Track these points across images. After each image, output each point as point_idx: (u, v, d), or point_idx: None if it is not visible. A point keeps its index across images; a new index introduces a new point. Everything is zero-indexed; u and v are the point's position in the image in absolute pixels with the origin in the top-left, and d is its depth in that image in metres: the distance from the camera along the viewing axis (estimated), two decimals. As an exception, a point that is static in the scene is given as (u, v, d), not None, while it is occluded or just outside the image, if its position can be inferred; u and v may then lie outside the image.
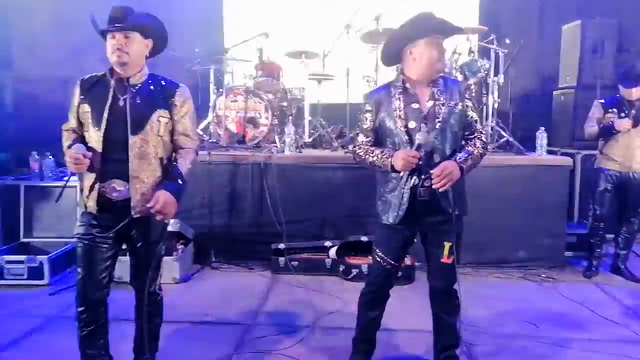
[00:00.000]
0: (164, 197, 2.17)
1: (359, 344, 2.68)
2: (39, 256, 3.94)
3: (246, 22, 6.70)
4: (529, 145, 4.92)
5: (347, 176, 4.52)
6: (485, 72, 5.11)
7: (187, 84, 2.42)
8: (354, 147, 2.52)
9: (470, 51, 5.32)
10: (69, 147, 2.22)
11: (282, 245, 4.34)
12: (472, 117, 2.41)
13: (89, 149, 2.21)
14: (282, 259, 4.30)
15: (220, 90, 5.27)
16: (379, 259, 2.49)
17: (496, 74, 5.14)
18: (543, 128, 4.81)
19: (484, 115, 5.32)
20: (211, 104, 5.31)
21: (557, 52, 5.75)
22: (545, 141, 4.74)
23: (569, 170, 4.60)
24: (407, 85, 2.38)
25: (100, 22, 2.26)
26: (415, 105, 2.35)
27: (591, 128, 4.18)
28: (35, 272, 3.90)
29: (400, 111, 2.35)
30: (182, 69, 5.86)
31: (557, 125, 5.71)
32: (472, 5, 6.67)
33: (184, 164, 2.32)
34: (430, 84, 2.37)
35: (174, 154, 2.37)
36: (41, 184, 4.53)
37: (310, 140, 5.48)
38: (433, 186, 2.25)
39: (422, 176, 2.31)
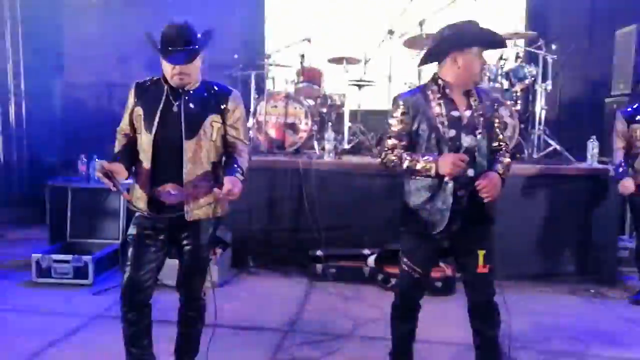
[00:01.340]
0: (230, 180, 2.16)
1: (396, 358, 2.60)
2: (84, 256, 4.05)
3: (288, 28, 6.74)
4: (579, 154, 4.72)
5: (387, 184, 4.44)
6: (533, 79, 4.95)
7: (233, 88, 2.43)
8: (384, 151, 2.38)
9: (517, 57, 5.18)
10: (114, 157, 2.28)
11: (319, 252, 4.31)
12: (498, 127, 2.40)
13: (135, 155, 2.28)
14: (319, 266, 4.27)
15: (261, 95, 5.30)
16: (406, 268, 2.42)
17: (544, 80, 4.97)
18: (594, 137, 4.60)
19: (529, 123, 5.16)
20: (252, 109, 5.35)
21: (609, 58, 5.50)
22: (596, 150, 4.53)
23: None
24: (447, 90, 2.31)
25: (153, 36, 2.24)
26: (455, 113, 2.28)
27: (615, 152, 3.80)
28: (80, 272, 4.01)
29: (443, 117, 2.28)
30: (223, 75, 5.95)
31: (610, 134, 5.45)
32: (520, 9, 6.48)
33: (242, 161, 2.32)
34: (466, 92, 2.33)
35: (224, 159, 2.39)
36: (88, 186, 4.66)
37: (350, 146, 5.44)
38: (483, 197, 2.18)
39: (463, 184, 2.24)
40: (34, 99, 7.24)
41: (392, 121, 2.36)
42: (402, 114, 2.33)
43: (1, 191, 7.05)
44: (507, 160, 2.36)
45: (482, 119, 2.28)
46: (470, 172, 2.24)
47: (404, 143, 2.34)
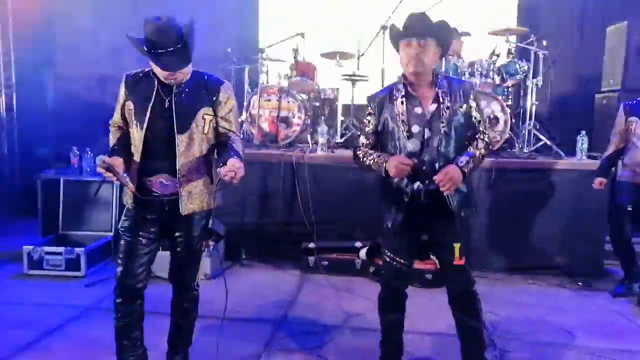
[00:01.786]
0: (232, 161, 2.10)
1: (385, 348, 2.64)
2: (76, 248, 4.05)
3: (282, 22, 6.73)
4: (569, 149, 4.77)
5: (379, 177, 4.47)
6: (524, 74, 4.99)
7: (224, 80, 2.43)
8: (355, 149, 2.50)
9: (509, 52, 5.20)
10: (111, 150, 2.28)
11: (312, 245, 4.34)
12: (475, 117, 2.38)
13: (129, 148, 2.27)
14: (311, 259, 4.30)
15: (255, 89, 5.30)
16: (387, 259, 2.48)
17: (535, 76, 5.01)
18: (584, 132, 4.65)
19: (520, 118, 5.20)
20: (245, 103, 5.35)
21: (600, 54, 5.56)
22: (586, 145, 4.59)
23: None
24: (409, 87, 2.35)
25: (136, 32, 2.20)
26: (418, 110, 2.32)
27: (608, 146, 3.76)
28: (72, 264, 4.02)
29: (403, 115, 2.32)
30: (217, 69, 5.94)
31: (599, 129, 5.50)
32: (511, 5, 6.51)
33: (238, 147, 2.29)
34: (434, 85, 2.34)
35: (216, 150, 2.38)
36: (80, 178, 4.66)
37: (343, 140, 5.46)
38: (442, 189, 2.21)
39: (427, 181, 2.29)
40: (25, 91, 7.18)
41: (364, 120, 2.49)
42: (369, 114, 2.45)
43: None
44: (478, 152, 2.33)
45: (448, 111, 2.29)
46: (436, 167, 2.26)
47: (370, 141, 2.45)
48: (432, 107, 2.31)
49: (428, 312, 3.19)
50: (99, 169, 2.14)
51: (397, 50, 2.37)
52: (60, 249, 4.05)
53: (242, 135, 5.01)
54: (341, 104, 5.59)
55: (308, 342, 3.02)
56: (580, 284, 4.14)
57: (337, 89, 5.68)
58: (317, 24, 6.44)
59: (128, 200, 2.34)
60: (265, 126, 5.21)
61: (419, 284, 3.91)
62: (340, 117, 5.53)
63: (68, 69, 7.33)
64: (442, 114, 2.28)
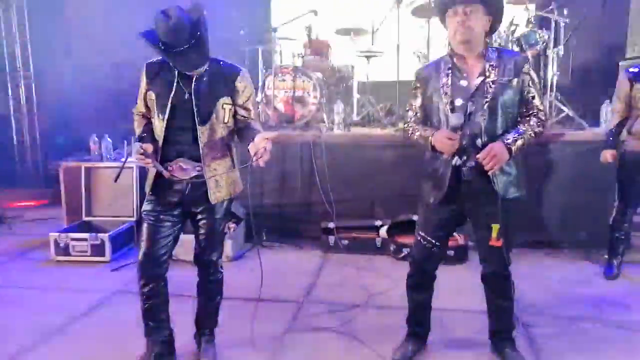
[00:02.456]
0: (260, 141, 2.08)
1: (412, 326, 2.65)
2: (100, 234, 4.12)
3: (294, 0, 6.64)
4: (592, 120, 4.65)
5: (397, 154, 4.43)
6: (544, 44, 4.85)
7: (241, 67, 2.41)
8: (404, 123, 2.48)
9: (529, 22, 5.05)
10: (140, 137, 2.32)
11: (331, 225, 4.34)
12: (528, 92, 2.25)
13: (154, 136, 2.31)
14: (332, 238, 4.31)
15: (269, 70, 5.27)
16: (419, 238, 2.46)
17: (556, 45, 4.87)
18: (608, 101, 4.51)
19: (541, 88, 5.08)
20: (260, 83, 5.32)
21: (624, 20, 5.36)
22: (610, 115, 4.45)
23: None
24: (455, 60, 2.28)
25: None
26: (463, 83, 2.24)
27: (612, 115, 3.56)
28: (97, 249, 4.10)
29: (447, 87, 2.25)
30: (230, 50, 5.90)
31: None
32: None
33: (259, 129, 2.29)
34: (482, 57, 2.24)
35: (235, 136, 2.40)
36: (100, 164, 4.71)
37: (359, 118, 5.41)
38: (485, 168, 2.14)
39: (465, 157, 2.22)
40: (43, 81, 7.28)
41: (410, 94, 2.44)
42: (415, 88, 2.40)
43: (16, 172, 7.16)
44: (530, 129, 2.20)
45: (494, 85, 2.19)
46: (478, 143, 2.20)
47: (418, 115, 2.41)
48: (478, 80, 2.22)
49: (450, 288, 3.17)
50: (137, 156, 2.19)
51: (445, 26, 2.29)
52: (85, 235, 4.12)
53: (259, 117, 5.02)
54: (356, 81, 5.52)
55: (331, 320, 3.04)
56: (605, 256, 4.07)
57: (352, 66, 5.61)
58: (329, 1, 6.34)
59: (149, 185, 2.36)
60: (281, 107, 5.18)
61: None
62: (356, 95, 5.47)
63: (84, 57, 7.38)
64: (487, 88, 2.20)
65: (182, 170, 2.30)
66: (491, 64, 2.22)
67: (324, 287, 3.60)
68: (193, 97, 2.25)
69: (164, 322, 2.47)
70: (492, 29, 2.29)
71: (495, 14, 2.24)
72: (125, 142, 4.70)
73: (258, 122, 2.40)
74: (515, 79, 2.22)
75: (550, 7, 4.93)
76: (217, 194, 2.34)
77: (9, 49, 7.09)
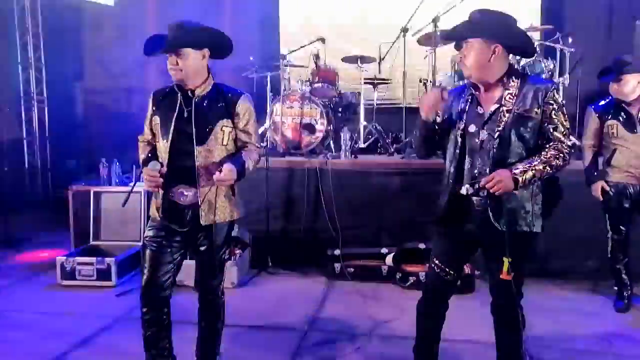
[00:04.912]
0: (227, 166, 2.20)
1: (418, 356, 2.60)
2: (106, 258, 4.13)
3: (302, 28, 6.77)
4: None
5: (404, 182, 4.44)
6: (550, 73, 4.89)
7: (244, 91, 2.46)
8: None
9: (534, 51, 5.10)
10: (144, 162, 2.35)
11: (337, 252, 4.32)
12: (550, 123, 2.14)
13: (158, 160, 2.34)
14: (337, 265, 4.28)
15: (277, 96, 5.33)
16: (433, 265, 2.42)
17: (561, 74, 4.90)
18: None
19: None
20: (268, 110, 5.39)
21: (630, 48, 5.40)
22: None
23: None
24: (473, 87, 2.28)
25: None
26: (479, 110, 2.24)
27: (585, 152, 3.57)
28: (103, 274, 4.10)
29: (463, 113, 2.26)
30: (239, 77, 6.00)
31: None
32: (535, 3, 6.40)
33: (247, 156, 2.34)
34: (502, 84, 2.20)
35: None
36: (109, 189, 4.75)
37: (366, 145, 5.44)
38: (489, 189, 2.09)
39: (478, 185, 2.15)
40: (55, 105, 7.42)
41: None
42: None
43: (26, 195, 7.24)
44: (545, 163, 2.10)
45: (509, 114, 2.15)
46: (487, 172, 2.14)
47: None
48: (493, 107, 2.20)
49: (458, 318, 3.10)
50: (150, 177, 2.24)
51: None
52: (92, 260, 4.13)
53: (265, 144, 5.06)
54: (363, 108, 5.57)
55: (335, 350, 3.00)
56: (615, 288, 4.00)
57: (359, 93, 5.67)
58: (337, 29, 6.45)
59: (153, 211, 2.39)
60: (289, 133, 5.23)
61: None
62: (362, 122, 5.51)
63: (95, 82, 7.54)
64: (501, 117, 2.16)
65: (183, 195, 2.34)
66: (510, 92, 2.19)
67: (328, 315, 3.57)
68: (193, 116, 2.28)
69: (166, 350, 2.45)
70: (512, 49, 2.26)
71: (501, 38, 2.18)
72: (134, 166, 4.75)
73: (254, 150, 2.41)
74: (535, 109, 2.14)
75: (556, 37, 4.98)
76: (209, 216, 2.32)
77: (24, 74, 7.26)
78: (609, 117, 3.47)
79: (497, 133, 2.16)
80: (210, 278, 2.46)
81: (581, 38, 5.13)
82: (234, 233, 4.27)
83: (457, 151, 2.25)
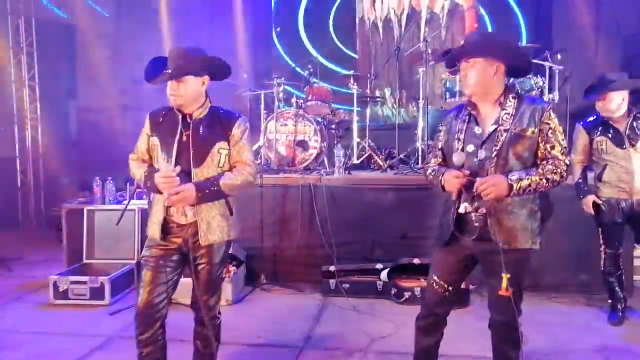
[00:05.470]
0: (185, 188, 2.25)
1: None
2: (100, 277, 4.10)
3: (295, 47, 6.86)
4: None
5: (398, 197, 4.47)
6: (539, 90, 4.97)
7: (238, 109, 2.52)
8: (424, 166, 2.55)
9: (523, 68, 5.19)
10: (149, 173, 2.35)
11: (332, 268, 4.32)
12: (547, 142, 2.19)
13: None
14: (332, 281, 4.28)
15: (271, 114, 5.38)
16: (432, 281, 2.44)
17: (550, 91, 4.99)
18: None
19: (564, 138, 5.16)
20: (262, 128, 5.43)
21: (618, 64, 5.52)
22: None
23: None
24: (472, 106, 2.31)
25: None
26: (477, 130, 2.27)
27: (573, 167, 3.57)
28: (96, 293, 4.06)
29: (460, 133, 2.30)
30: (233, 95, 6.05)
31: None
32: (521, 21, 6.53)
33: (229, 176, 2.36)
34: (499, 104, 2.26)
35: None
36: (103, 207, 4.74)
37: (359, 162, 5.49)
38: (479, 193, 2.13)
39: (476, 204, 2.21)
40: (49, 123, 7.42)
41: (435, 137, 2.52)
42: (439, 130, 2.47)
43: (19, 214, 7.19)
44: (540, 174, 2.14)
45: (506, 133, 2.19)
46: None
47: (437, 158, 2.47)
48: (491, 127, 2.24)
49: (453, 333, 3.11)
50: (165, 179, 2.25)
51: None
52: (85, 278, 4.10)
53: (259, 161, 5.09)
54: (356, 125, 5.63)
55: (332, 367, 2.99)
56: (609, 301, 4.02)
57: (352, 110, 5.73)
58: (330, 47, 6.54)
59: (151, 230, 2.39)
60: (283, 150, 5.26)
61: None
62: (356, 139, 5.56)
63: (89, 100, 7.56)
64: (498, 137, 2.20)
65: (184, 214, 2.35)
66: (507, 112, 2.23)
67: (324, 332, 3.55)
68: (190, 139, 2.33)
69: None
70: (513, 69, 2.32)
71: (504, 58, 2.24)
72: (128, 184, 4.74)
73: (243, 170, 2.41)
74: (531, 129, 2.19)
75: (544, 55, 5.08)
76: (208, 235, 2.35)
77: (18, 92, 7.28)
78: (598, 134, 3.53)
79: (495, 152, 2.20)
80: (208, 297, 2.45)
81: (569, 56, 5.24)
82: (229, 250, 4.31)
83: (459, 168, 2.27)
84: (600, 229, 3.65)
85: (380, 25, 6.83)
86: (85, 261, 4.60)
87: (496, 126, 2.23)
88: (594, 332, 3.49)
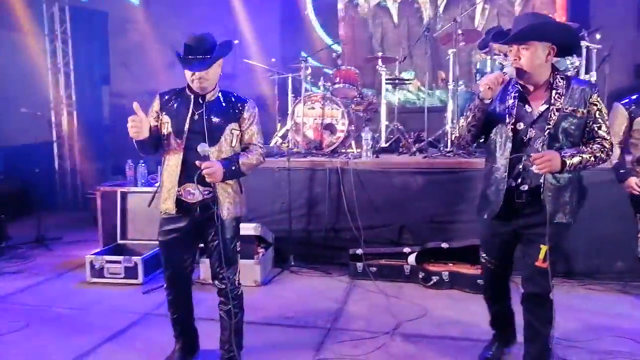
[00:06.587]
0: (215, 163, 2.38)
1: (496, 330, 2.77)
2: (133, 257, 4.23)
3: (323, 29, 6.80)
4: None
5: (426, 181, 4.42)
6: (576, 70, 4.80)
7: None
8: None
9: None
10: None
11: (359, 251, 4.33)
12: (594, 122, 2.27)
13: (156, 144, 2.54)
14: (360, 264, 4.30)
15: (298, 97, 5.38)
16: (482, 260, 2.57)
17: (588, 71, 4.82)
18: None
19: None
20: (289, 111, 5.43)
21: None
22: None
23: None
24: (519, 85, 2.35)
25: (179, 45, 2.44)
26: (528, 108, 2.32)
27: (615, 148, 3.20)
28: (130, 272, 4.20)
29: (512, 109, 2.33)
30: (262, 78, 6.07)
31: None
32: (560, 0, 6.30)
33: (245, 155, 2.52)
34: (549, 84, 2.30)
35: None
36: (135, 189, 4.86)
37: (388, 145, 5.44)
38: (534, 169, 2.18)
39: (520, 179, 2.30)
40: (84, 108, 7.63)
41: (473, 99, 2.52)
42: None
43: (57, 196, 7.46)
44: (589, 151, 2.22)
45: (558, 113, 2.25)
46: (534, 168, 2.20)
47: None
48: (542, 107, 2.29)
49: (483, 318, 3.10)
50: (133, 123, 2.38)
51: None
52: (120, 258, 4.24)
53: (287, 144, 5.11)
54: (385, 108, 5.57)
55: (359, 348, 3.02)
56: (646, 288, 3.92)
57: (380, 93, 5.67)
58: (358, 29, 6.46)
59: (164, 205, 2.53)
60: (310, 134, 5.26)
61: (471, 290, 3.82)
62: (384, 122, 5.51)
63: (122, 85, 7.72)
64: (551, 116, 2.25)
65: (191, 194, 2.48)
66: (558, 92, 2.28)
67: (351, 314, 3.58)
68: (204, 120, 2.45)
69: (189, 312, 2.73)
70: (563, 49, 2.32)
71: (555, 40, 2.26)
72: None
73: (256, 151, 2.57)
74: (581, 109, 2.25)
75: (582, 34, 4.90)
76: (223, 211, 2.50)
77: (54, 78, 7.48)
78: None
79: (547, 131, 2.25)
80: (225, 269, 2.55)
81: (608, 34, 5.03)
82: (257, 232, 4.37)
83: (510, 144, 2.31)
84: (637, 215, 3.52)
85: (395, 6, 6.68)
86: (119, 241, 4.75)
87: (547, 105, 2.27)
88: (629, 319, 3.41)
